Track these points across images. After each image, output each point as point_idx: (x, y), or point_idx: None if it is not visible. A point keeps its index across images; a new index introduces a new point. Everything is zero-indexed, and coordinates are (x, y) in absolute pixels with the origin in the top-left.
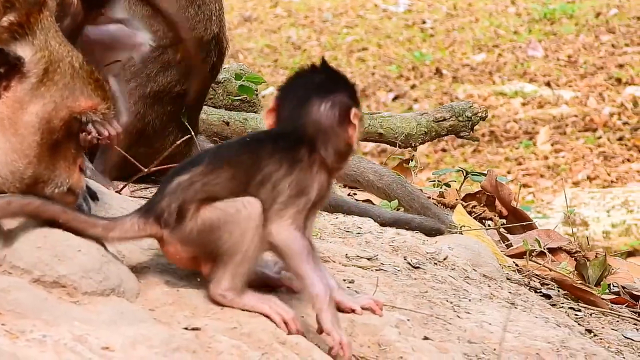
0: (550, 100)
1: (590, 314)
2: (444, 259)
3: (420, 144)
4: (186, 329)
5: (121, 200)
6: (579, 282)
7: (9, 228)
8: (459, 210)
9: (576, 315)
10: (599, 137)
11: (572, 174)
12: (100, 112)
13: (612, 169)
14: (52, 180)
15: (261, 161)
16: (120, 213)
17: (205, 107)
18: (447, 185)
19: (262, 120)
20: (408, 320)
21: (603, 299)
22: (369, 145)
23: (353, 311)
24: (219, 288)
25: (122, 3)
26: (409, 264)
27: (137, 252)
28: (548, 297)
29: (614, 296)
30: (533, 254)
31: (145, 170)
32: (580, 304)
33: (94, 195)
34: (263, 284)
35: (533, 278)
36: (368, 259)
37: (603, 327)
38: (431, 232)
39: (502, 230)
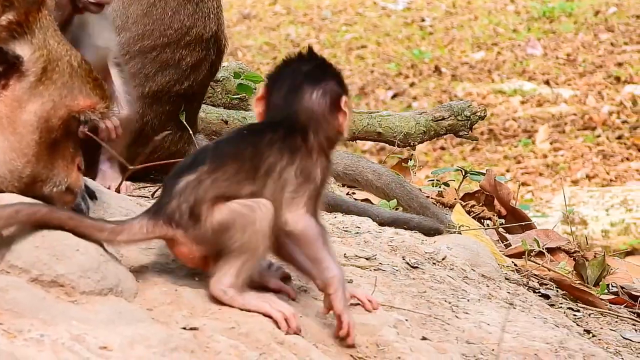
0: (549, 99)
1: (589, 315)
2: (443, 259)
3: (419, 143)
4: (184, 328)
5: (120, 199)
6: (578, 282)
7: None
8: (457, 210)
9: (575, 315)
10: (598, 136)
11: (571, 172)
12: (98, 111)
13: (611, 168)
14: (51, 179)
15: (263, 152)
16: (119, 212)
17: (204, 106)
18: (446, 184)
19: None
20: (406, 320)
21: (602, 299)
22: (368, 144)
23: (353, 296)
24: (221, 284)
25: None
26: (408, 263)
27: (135, 251)
28: (547, 297)
29: (613, 296)
30: (532, 254)
31: (131, 167)
32: (579, 304)
33: (92, 194)
34: (261, 286)
35: (532, 278)
36: (366, 259)
37: (602, 328)
38: (430, 232)
39: (500, 230)
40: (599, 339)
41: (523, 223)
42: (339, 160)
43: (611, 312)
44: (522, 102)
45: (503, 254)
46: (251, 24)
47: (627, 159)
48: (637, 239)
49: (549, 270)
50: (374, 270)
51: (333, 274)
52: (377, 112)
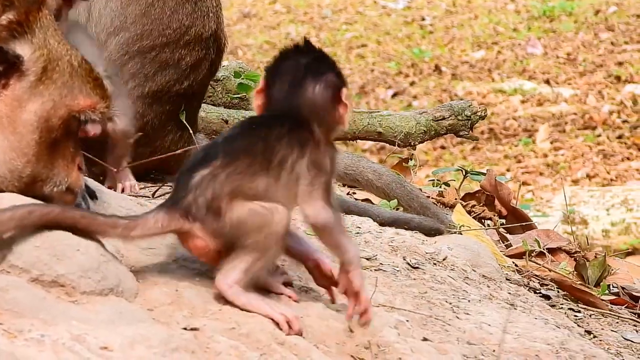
0: (549, 98)
1: (590, 315)
2: (443, 259)
3: (420, 142)
4: (185, 329)
5: (120, 199)
6: (579, 282)
7: None
8: (458, 210)
9: (576, 316)
10: (599, 135)
11: (572, 172)
12: (99, 110)
13: (612, 167)
14: (51, 179)
15: (274, 146)
16: (119, 212)
17: (204, 105)
18: (447, 184)
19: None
20: (407, 321)
21: (603, 299)
22: (368, 143)
23: None
24: (227, 278)
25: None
26: (408, 264)
27: (135, 251)
28: (547, 297)
29: (614, 297)
30: (532, 254)
31: (115, 169)
32: (579, 305)
33: (92, 194)
34: (264, 290)
35: (532, 278)
36: (367, 259)
37: (603, 329)
38: (430, 232)
39: (501, 230)
40: (600, 340)
41: (524, 223)
42: (339, 160)
43: (612, 312)
44: (523, 102)
45: (504, 255)
46: (251, 23)
47: (628, 158)
48: (638, 239)
49: (550, 270)
50: (375, 270)
51: (352, 253)
52: (378, 111)
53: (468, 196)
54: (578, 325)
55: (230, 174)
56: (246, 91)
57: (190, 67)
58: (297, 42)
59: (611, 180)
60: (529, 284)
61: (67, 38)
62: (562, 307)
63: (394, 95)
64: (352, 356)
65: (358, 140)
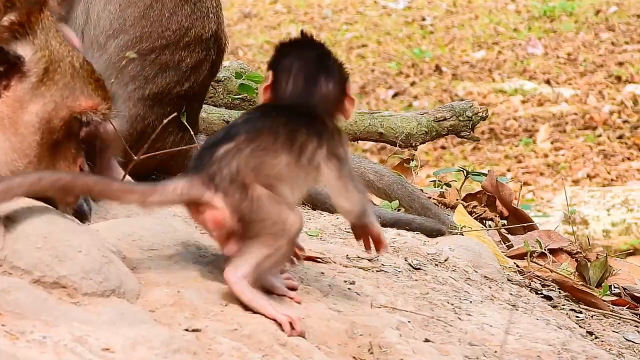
0: (550, 98)
1: (592, 316)
2: (445, 260)
3: (421, 143)
4: (187, 330)
5: None
6: (580, 283)
7: (10, 228)
8: (459, 211)
9: (577, 317)
10: (599, 135)
11: (572, 172)
12: (100, 112)
13: (612, 168)
14: None
15: (295, 131)
16: (121, 212)
17: (205, 106)
18: (448, 185)
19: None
20: (409, 322)
21: (604, 300)
22: (368, 143)
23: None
24: (237, 271)
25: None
26: (410, 265)
27: (137, 252)
28: (549, 298)
29: (615, 298)
30: (534, 255)
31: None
32: (581, 306)
33: None
34: (267, 291)
35: (534, 279)
36: (369, 260)
37: (604, 330)
38: (432, 233)
39: (502, 231)
40: (602, 341)
41: (525, 224)
42: None
43: (614, 313)
44: (523, 102)
45: (505, 255)
46: (252, 23)
47: (628, 158)
48: (638, 239)
49: (551, 271)
50: (376, 271)
51: (373, 220)
52: (379, 112)
53: (469, 197)
54: (580, 326)
55: (255, 150)
56: (247, 92)
57: (190, 69)
58: (297, 37)
59: (612, 180)
60: (530, 284)
61: None
62: (563, 308)
63: (395, 95)
64: (353, 357)
65: (359, 141)
